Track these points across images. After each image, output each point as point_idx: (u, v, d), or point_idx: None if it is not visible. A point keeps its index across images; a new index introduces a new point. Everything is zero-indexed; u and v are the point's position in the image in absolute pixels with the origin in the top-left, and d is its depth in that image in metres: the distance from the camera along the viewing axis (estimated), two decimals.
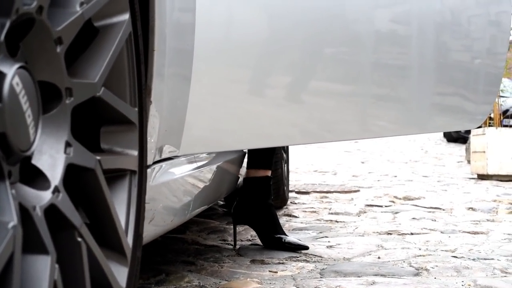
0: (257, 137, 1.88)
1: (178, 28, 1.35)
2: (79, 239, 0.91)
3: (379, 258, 2.51)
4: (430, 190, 5.53)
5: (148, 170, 1.27)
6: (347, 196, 4.94)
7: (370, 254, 2.59)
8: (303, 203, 4.49)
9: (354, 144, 13.64)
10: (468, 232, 3.21)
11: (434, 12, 2.36)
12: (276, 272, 2.24)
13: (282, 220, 3.52)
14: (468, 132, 10.00)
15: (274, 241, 2.64)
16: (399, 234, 3.12)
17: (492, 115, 7.46)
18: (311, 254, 2.56)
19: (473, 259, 2.48)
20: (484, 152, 6.88)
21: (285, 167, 4.02)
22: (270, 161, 2.76)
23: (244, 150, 2.78)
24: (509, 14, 2.64)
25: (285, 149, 4.08)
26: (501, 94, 8.84)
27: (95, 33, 1.02)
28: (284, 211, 3.97)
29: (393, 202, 4.61)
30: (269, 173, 2.74)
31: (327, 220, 3.63)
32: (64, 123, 0.91)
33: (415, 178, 6.90)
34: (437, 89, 2.50)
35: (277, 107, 1.87)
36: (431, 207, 4.26)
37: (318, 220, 3.66)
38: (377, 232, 3.17)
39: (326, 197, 4.95)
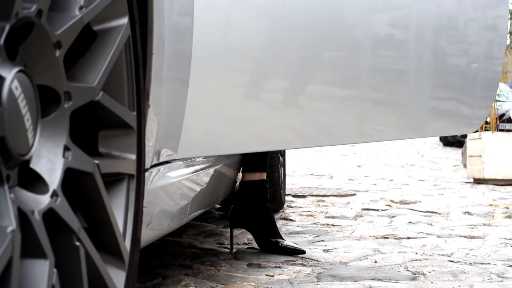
0: (255, 141, 1.88)
1: (176, 32, 1.35)
2: (77, 243, 0.91)
3: (375, 262, 2.51)
4: (426, 194, 5.54)
5: (146, 174, 1.27)
6: (344, 200, 4.95)
7: (366, 258, 2.59)
8: (300, 207, 4.49)
9: (350, 147, 13.65)
10: (465, 237, 3.21)
11: (431, 16, 2.36)
12: (273, 276, 2.24)
13: (279, 224, 3.52)
14: (464, 136, 10.01)
15: (271, 245, 2.64)
16: (396, 238, 3.13)
17: (488, 120, 7.47)
18: (308, 258, 2.56)
19: (470, 264, 2.48)
20: (480, 156, 6.89)
21: (282, 171, 4.02)
22: (264, 163, 2.76)
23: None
24: (506, 19, 2.64)
25: (282, 153, 4.08)
26: (497, 98, 8.85)
27: (94, 37, 1.02)
28: (281, 215, 3.96)
29: (389, 206, 4.61)
30: (264, 175, 2.74)
31: (323, 224, 3.63)
32: (62, 127, 0.90)
33: (411, 182, 6.91)
34: (434, 93, 2.51)
35: (274, 111, 1.88)
36: (427, 211, 4.27)
37: (314, 224, 3.66)
38: (374, 236, 3.17)
39: (322, 200, 4.95)
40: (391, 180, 7.16)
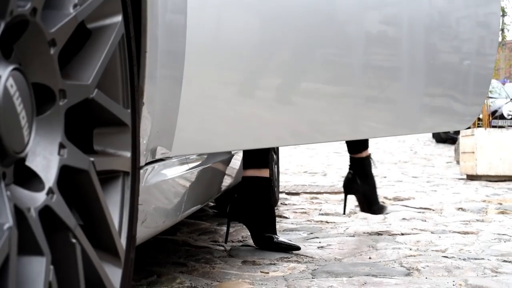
0: (248, 138, 1.89)
1: (170, 30, 1.36)
2: (74, 241, 0.92)
3: (370, 258, 2.52)
4: (419, 190, 5.55)
5: (141, 172, 1.28)
6: (337, 197, 4.96)
7: (361, 255, 2.60)
8: (294, 204, 4.50)
9: (343, 145, 13.65)
10: (458, 232, 3.22)
11: (424, 14, 2.37)
12: (268, 272, 2.25)
13: None
14: (457, 133, 10.04)
15: (266, 240, 2.64)
16: (390, 235, 3.14)
17: (481, 116, 7.50)
18: (303, 255, 2.57)
19: (464, 259, 2.49)
20: (473, 152, 6.91)
21: (275, 168, 4.03)
22: (267, 159, 2.76)
23: (233, 152, 2.78)
24: (498, 16, 2.66)
25: (275, 150, 4.08)
26: (489, 95, 8.88)
27: (88, 35, 1.02)
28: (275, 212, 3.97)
29: (383, 202, 4.62)
30: (267, 172, 2.74)
31: (317, 221, 3.64)
32: (57, 125, 0.91)
33: (404, 179, 6.93)
34: (427, 90, 2.52)
35: (268, 108, 1.88)
36: (421, 208, 4.28)
37: (308, 221, 3.66)
38: (368, 233, 3.18)
39: (316, 198, 4.96)
40: (385, 177, 7.18)
